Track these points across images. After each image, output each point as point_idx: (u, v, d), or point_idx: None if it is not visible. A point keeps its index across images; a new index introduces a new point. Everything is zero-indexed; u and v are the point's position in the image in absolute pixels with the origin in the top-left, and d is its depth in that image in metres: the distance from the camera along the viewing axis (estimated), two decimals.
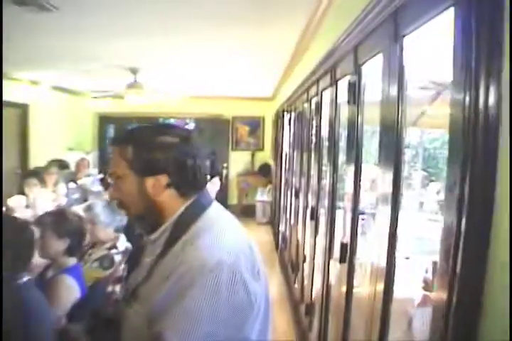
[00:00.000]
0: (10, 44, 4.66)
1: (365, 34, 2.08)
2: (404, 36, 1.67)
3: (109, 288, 2.72)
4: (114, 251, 2.86)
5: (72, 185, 6.43)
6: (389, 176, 1.73)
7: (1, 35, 3.59)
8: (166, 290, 1.18)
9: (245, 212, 9.20)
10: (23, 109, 7.80)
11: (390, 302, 1.79)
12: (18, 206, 5.01)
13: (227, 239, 1.27)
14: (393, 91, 1.73)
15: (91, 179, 6.92)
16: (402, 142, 1.68)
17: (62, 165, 6.96)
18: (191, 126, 11.94)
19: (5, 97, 7.13)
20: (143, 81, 6.06)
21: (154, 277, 1.26)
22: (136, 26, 3.94)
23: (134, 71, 5.89)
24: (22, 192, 5.09)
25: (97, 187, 6.93)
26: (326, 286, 3.06)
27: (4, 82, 6.99)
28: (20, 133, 7.91)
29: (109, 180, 1.37)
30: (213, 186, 8.04)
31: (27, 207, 5.07)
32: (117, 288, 2.79)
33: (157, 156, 1.29)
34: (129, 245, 2.98)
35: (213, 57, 5.37)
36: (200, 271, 1.15)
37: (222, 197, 8.94)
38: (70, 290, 2.23)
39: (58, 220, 2.39)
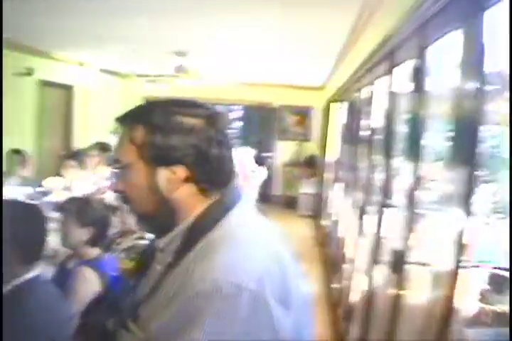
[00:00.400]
0: (56, 24, 4.58)
1: (434, 10, 1.79)
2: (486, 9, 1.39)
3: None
4: (142, 241, 2.69)
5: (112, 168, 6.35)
6: (459, 175, 1.48)
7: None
8: (169, 316, 0.92)
9: (288, 204, 8.98)
10: (68, 91, 7.79)
11: (450, 317, 1.55)
12: (54, 187, 4.95)
13: (250, 254, 0.98)
14: (470, 79, 1.46)
15: None
16: (479, 140, 1.42)
17: (104, 148, 6.88)
18: (239, 113, 11.83)
19: (50, 78, 7.15)
20: (190, 65, 5.89)
21: (160, 294, 1.00)
22: (185, 7, 3.76)
23: (181, 54, 5.73)
24: (59, 174, 5.02)
25: None
26: (370, 292, 2.82)
27: (49, 62, 6.99)
28: (64, 114, 7.92)
29: (113, 169, 1.13)
30: (260, 175, 7.92)
31: (65, 189, 5.00)
32: None
33: (174, 142, 1.00)
34: None
35: (264, 43, 5.14)
36: (211, 298, 0.88)
37: (266, 188, 8.75)
38: (89, 284, 2.05)
39: (82, 208, 2.22)
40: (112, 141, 7.74)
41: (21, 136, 6.45)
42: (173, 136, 1.01)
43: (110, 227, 2.31)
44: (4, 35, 5.46)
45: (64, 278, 2.09)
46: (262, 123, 9.82)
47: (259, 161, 8.72)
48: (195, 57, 5.86)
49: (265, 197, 8.88)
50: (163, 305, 0.94)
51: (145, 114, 1.07)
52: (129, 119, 1.08)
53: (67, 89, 7.74)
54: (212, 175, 1.04)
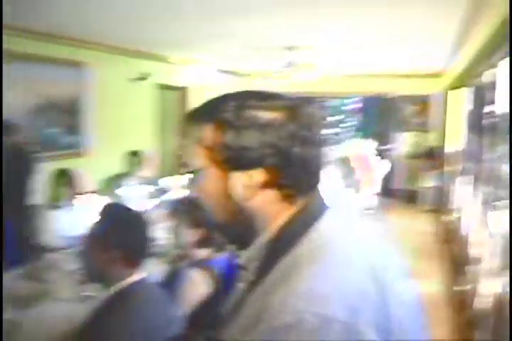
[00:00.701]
0: (170, 26, 4.75)
1: None
2: None
3: None
4: None
5: None
6: None
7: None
8: None
9: (409, 198, 8.58)
10: (182, 92, 8.07)
11: None
12: (173, 186, 5.16)
13: (342, 276, 0.80)
14: None
15: None
16: None
17: None
18: (355, 106, 11.52)
19: (164, 81, 7.46)
20: (302, 59, 5.81)
21: (243, 314, 0.86)
22: (295, 1, 3.70)
23: (291, 49, 5.68)
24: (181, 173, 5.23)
25: None
26: (501, 297, 2.56)
27: (162, 66, 7.29)
28: (179, 116, 8.23)
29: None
30: (383, 168, 7.68)
31: (183, 187, 5.19)
32: None
33: (249, 141, 0.86)
34: None
35: (376, 32, 4.91)
36: (295, 331, 0.73)
37: (388, 182, 8.45)
38: (197, 286, 2.05)
39: (191, 208, 2.19)
40: None
41: (143, 138, 6.84)
42: (248, 133, 0.86)
43: None
44: (118, 43, 5.83)
45: (174, 280, 2.11)
46: (381, 115, 9.47)
47: (381, 154, 8.44)
48: (306, 52, 5.78)
49: (387, 192, 8.58)
50: (246, 328, 0.82)
51: (214, 110, 0.92)
52: (196, 117, 0.95)
53: (181, 90, 8.03)
54: (296, 178, 0.88)
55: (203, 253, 2.22)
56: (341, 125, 12.50)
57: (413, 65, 7.71)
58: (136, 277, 1.63)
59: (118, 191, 4.52)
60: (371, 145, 8.24)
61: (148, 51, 6.50)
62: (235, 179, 0.88)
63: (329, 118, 11.26)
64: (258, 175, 0.87)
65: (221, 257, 2.29)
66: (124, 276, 1.61)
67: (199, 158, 0.91)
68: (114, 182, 4.53)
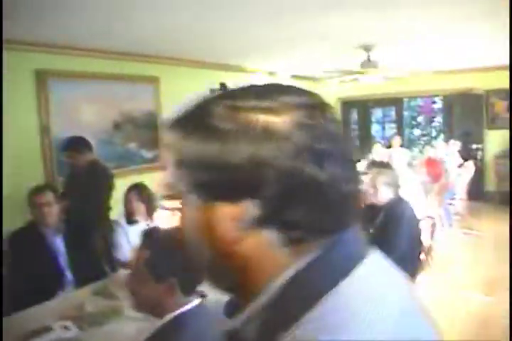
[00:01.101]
0: (243, 34, 4.65)
1: None
2: None
3: None
4: None
5: None
6: None
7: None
8: None
9: (503, 201, 7.91)
10: None
11: None
12: None
13: None
14: None
15: None
16: None
17: None
18: (439, 104, 10.95)
19: None
20: (377, 58, 5.53)
21: None
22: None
23: (367, 48, 5.41)
24: None
25: None
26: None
27: (244, 75, 7.25)
28: None
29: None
30: (466, 171, 7.13)
31: None
32: None
33: (241, 157, 0.58)
34: None
35: (455, 25, 4.54)
36: None
37: (477, 184, 7.87)
38: None
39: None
40: None
41: None
42: (240, 146, 0.58)
43: None
44: (194, 57, 5.84)
45: None
46: (467, 113, 8.85)
47: (467, 155, 7.89)
48: (381, 50, 5.49)
49: (477, 194, 7.99)
50: None
51: (196, 115, 0.64)
52: (174, 125, 0.67)
53: None
54: (308, 213, 0.59)
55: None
56: (424, 126, 11.95)
57: (500, 56, 7.14)
58: (189, 305, 1.48)
59: None
60: (453, 146, 7.72)
61: (223, 62, 6.49)
62: (220, 212, 0.60)
63: (411, 119, 10.77)
64: (252, 208, 0.58)
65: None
66: (181, 304, 1.47)
67: (179, 181, 0.64)
68: None
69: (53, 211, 3.22)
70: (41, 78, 4.48)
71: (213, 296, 2.03)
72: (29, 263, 3.15)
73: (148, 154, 5.69)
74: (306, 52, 5.88)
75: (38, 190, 3.22)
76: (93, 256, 3.48)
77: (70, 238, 3.36)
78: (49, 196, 3.21)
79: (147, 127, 5.65)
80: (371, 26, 4.48)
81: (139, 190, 3.60)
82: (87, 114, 4.94)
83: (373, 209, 3.49)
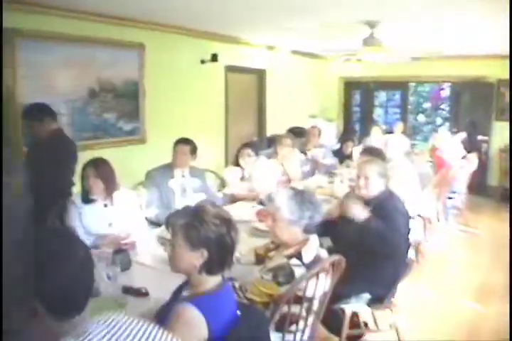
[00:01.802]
0: (242, 3, 4.20)
1: None
2: None
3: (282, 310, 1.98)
4: (294, 261, 2.08)
5: (301, 156, 5.87)
6: None
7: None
8: None
9: (504, 197, 7.52)
10: (259, 75, 7.56)
11: None
12: (232, 179, 4.65)
13: None
14: None
15: (322, 150, 6.29)
16: None
17: (298, 133, 6.49)
18: (446, 92, 10.51)
19: (242, 63, 6.97)
20: (381, 36, 5.05)
21: None
22: None
23: (371, 25, 4.94)
24: (237, 164, 4.70)
25: (329, 160, 6.27)
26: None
27: (240, 48, 6.79)
28: (257, 99, 7.72)
29: None
30: (469, 164, 6.70)
31: (242, 179, 4.67)
32: (294, 309, 2.03)
33: None
34: (321, 253, 2.17)
35: (471, 6, 4.08)
36: None
37: (479, 177, 7.47)
38: (191, 328, 1.48)
39: (191, 222, 1.59)
40: (307, 125, 7.38)
41: (206, 124, 6.39)
42: None
43: (231, 248, 1.64)
44: (183, 23, 5.38)
45: (165, 315, 1.59)
46: (476, 102, 8.38)
47: (471, 146, 7.46)
48: (387, 28, 5.02)
49: (480, 188, 7.60)
50: None
51: None
52: None
53: (259, 73, 7.52)
54: None
55: (209, 280, 1.64)
56: (429, 113, 11.56)
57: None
58: None
59: (170, 183, 4.07)
60: (457, 137, 7.29)
61: (217, 32, 6.02)
62: None
63: (417, 105, 10.36)
64: None
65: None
66: None
67: None
68: (164, 172, 4.07)
69: None
70: (8, 38, 4.04)
71: None
72: None
73: (127, 126, 5.28)
74: (307, 26, 5.41)
75: None
76: None
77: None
78: None
79: (127, 97, 5.22)
80: (377, 0, 4.02)
81: (97, 165, 3.20)
82: (61, 79, 4.50)
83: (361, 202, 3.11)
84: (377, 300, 2.84)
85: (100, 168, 3.21)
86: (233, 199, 4.56)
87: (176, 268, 1.67)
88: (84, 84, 4.72)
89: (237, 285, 2.14)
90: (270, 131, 7.79)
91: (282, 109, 8.03)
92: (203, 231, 1.58)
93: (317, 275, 2.04)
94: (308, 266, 2.05)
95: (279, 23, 5.30)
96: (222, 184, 4.75)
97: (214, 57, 6.05)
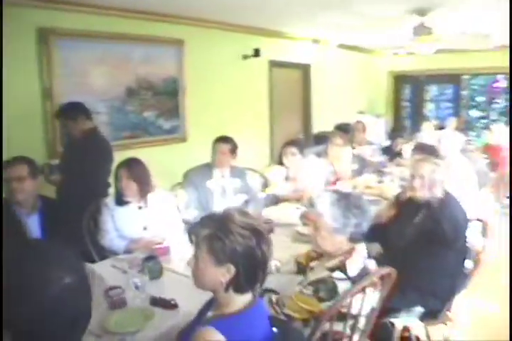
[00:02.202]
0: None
1: None
2: None
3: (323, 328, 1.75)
4: (337, 274, 1.84)
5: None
6: None
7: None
8: None
9: None
10: (304, 70, 7.30)
11: None
12: (276, 179, 4.43)
13: None
14: None
15: (370, 147, 5.98)
16: None
17: (345, 129, 6.18)
18: (502, 84, 9.94)
19: (286, 58, 6.73)
20: (433, 25, 4.71)
21: None
22: None
23: (421, 13, 4.61)
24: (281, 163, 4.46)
25: (378, 158, 5.95)
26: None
27: (284, 42, 6.55)
28: (302, 95, 7.47)
29: None
30: None
31: (286, 179, 4.44)
32: (337, 327, 1.80)
33: None
34: (368, 264, 1.92)
35: None
36: None
37: None
38: None
39: (215, 233, 1.38)
40: (353, 120, 7.07)
41: (253, 120, 6.20)
42: None
43: (264, 263, 1.41)
44: (227, 18, 5.19)
45: (190, 335, 1.38)
46: None
47: None
48: (438, 16, 4.67)
49: None
50: None
51: None
52: None
53: (304, 68, 7.27)
54: None
55: (238, 300, 1.42)
56: (485, 107, 10.97)
57: None
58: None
59: (209, 184, 3.89)
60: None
61: (259, 26, 5.81)
62: None
63: (470, 99, 9.83)
64: None
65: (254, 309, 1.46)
66: None
67: None
68: (202, 173, 3.90)
69: (25, 187, 2.73)
70: (44, 37, 3.96)
71: None
72: None
73: (167, 124, 5.15)
74: (352, 17, 5.12)
75: (9, 163, 2.74)
76: (77, 239, 2.99)
77: (52, 218, 2.88)
78: (21, 170, 2.73)
79: (167, 94, 5.09)
80: None
81: (130, 166, 3.05)
82: (98, 77, 4.41)
83: (412, 206, 2.84)
84: (431, 314, 2.56)
85: (133, 168, 3.06)
86: (276, 200, 4.34)
87: (200, 285, 1.46)
88: (122, 82, 4.61)
89: (273, 298, 1.93)
90: (317, 128, 7.53)
91: (329, 105, 7.74)
92: (228, 244, 1.35)
93: (364, 290, 1.80)
94: (354, 280, 1.81)
95: (323, 15, 5.05)
96: (266, 184, 4.54)
97: (256, 52, 5.84)
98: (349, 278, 1.82)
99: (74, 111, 3.64)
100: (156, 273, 2.38)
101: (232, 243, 1.35)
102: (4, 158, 2.91)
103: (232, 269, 1.36)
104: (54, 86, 4.05)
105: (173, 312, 2.02)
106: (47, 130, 4.08)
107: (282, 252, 2.72)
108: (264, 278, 1.45)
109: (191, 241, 1.46)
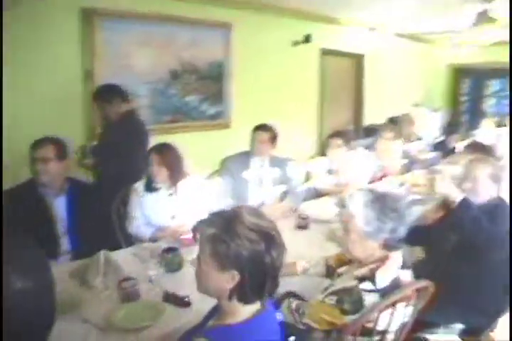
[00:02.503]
0: None
1: None
2: None
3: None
4: (365, 285, 1.64)
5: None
6: None
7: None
8: None
9: None
10: (358, 58, 7.00)
11: None
12: (318, 171, 4.22)
13: None
14: None
15: (420, 143, 5.65)
16: None
17: (397, 122, 5.89)
18: None
19: (338, 46, 6.46)
20: (497, 13, 4.34)
21: None
22: None
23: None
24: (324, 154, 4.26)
25: (428, 154, 5.61)
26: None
27: (337, 29, 6.28)
28: (354, 85, 7.18)
29: None
30: None
31: (329, 172, 4.23)
32: None
33: None
34: (401, 276, 1.71)
35: None
36: None
37: None
38: None
39: (219, 235, 1.21)
40: (412, 113, 6.73)
41: (301, 109, 5.99)
42: None
43: (274, 272, 1.23)
44: (278, 2, 4.97)
45: None
46: None
47: None
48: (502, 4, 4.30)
49: None
50: None
51: None
52: None
53: (355, 57, 6.96)
54: None
55: (244, 310, 1.25)
56: None
57: None
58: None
59: (246, 173, 3.74)
60: None
61: (311, 11, 5.56)
62: None
63: None
64: None
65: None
66: None
67: None
68: (240, 161, 3.75)
69: (50, 168, 2.65)
70: (88, 18, 3.88)
71: None
72: (23, 225, 2.64)
73: (210, 110, 5.01)
74: (413, 3, 4.80)
75: (36, 144, 2.66)
76: (104, 224, 2.91)
77: (82, 201, 2.80)
78: (46, 151, 2.65)
79: (212, 79, 4.94)
80: None
81: (161, 151, 2.92)
82: (141, 59, 4.31)
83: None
84: (472, 332, 2.31)
85: (165, 154, 2.93)
86: (317, 194, 4.14)
87: (202, 289, 1.30)
88: (165, 64, 4.50)
89: (293, 305, 1.75)
90: (368, 120, 7.24)
91: (382, 97, 7.42)
92: (233, 248, 1.18)
93: (394, 305, 1.60)
94: (384, 293, 1.61)
95: (382, 0, 4.76)
96: (308, 176, 4.34)
97: (307, 39, 5.61)
98: (378, 290, 1.62)
99: (110, 93, 3.55)
100: (174, 266, 2.25)
101: (237, 247, 1.18)
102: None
103: (237, 276, 1.20)
104: (96, 68, 3.98)
105: (184, 310, 1.88)
106: (87, 112, 4.02)
107: (313, 251, 2.54)
108: (273, 288, 1.27)
109: (195, 238, 1.31)
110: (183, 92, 4.72)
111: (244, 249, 1.18)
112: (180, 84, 4.67)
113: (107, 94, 3.54)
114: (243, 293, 1.21)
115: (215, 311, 1.37)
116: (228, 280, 1.20)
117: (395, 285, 1.64)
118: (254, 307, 1.26)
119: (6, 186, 2.82)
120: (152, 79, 4.42)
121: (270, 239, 1.21)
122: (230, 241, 1.18)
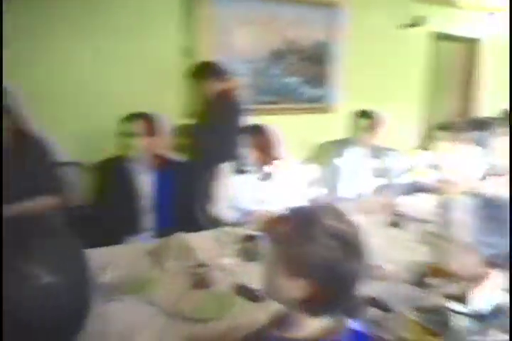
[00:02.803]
0: None
1: None
2: None
3: None
4: (455, 306, 1.41)
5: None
6: None
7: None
8: None
9: None
10: (472, 44, 6.40)
11: None
12: (420, 165, 3.92)
13: None
14: None
15: None
16: None
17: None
18: None
19: (453, 30, 5.95)
20: None
21: None
22: None
23: None
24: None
25: None
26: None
27: (454, 11, 5.78)
28: (467, 73, 6.61)
29: None
30: None
31: (431, 167, 3.92)
32: None
33: None
34: (501, 300, 1.46)
35: None
36: None
37: None
38: None
39: (293, 237, 1.05)
40: None
41: (407, 97, 5.63)
42: None
43: (351, 283, 1.05)
44: None
45: None
46: None
47: None
48: None
49: None
50: None
51: None
52: None
53: (470, 42, 6.38)
54: None
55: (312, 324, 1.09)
56: None
57: None
58: None
59: (342, 161, 3.56)
60: None
61: None
62: None
63: None
64: None
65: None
66: None
67: None
68: (335, 148, 3.56)
69: (138, 144, 2.64)
70: None
71: None
72: (107, 199, 2.67)
73: (311, 92, 4.82)
74: None
75: (125, 119, 2.66)
76: (190, 204, 2.87)
77: (175, 178, 2.78)
78: (135, 126, 2.63)
79: (315, 60, 4.74)
80: None
81: (253, 133, 2.82)
82: (243, 37, 4.21)
83: None
84: None
85: (258, 136, 2.83)
86: (417, 189, 3.86)
87: (268, 294, 1.17)
88: (268, 43, 4.36)
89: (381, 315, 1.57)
90: (481, 112, 6.66)
91: (499, 87, 6.78)
92: (307, 254, 1.03)
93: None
94: (477, 318, 1.38)
95: None
96: (409, 169, 4.06)
97: (421, 21, 5.20)
98: (470, 314, 1.39)
99: (205, 71, 3.49)
100: (252, 256, 2.14)
101: (312, 253, 1.02)
102: None
103: (308, 286, 1.04)
104: (196, 44, 3.94)
105: (254, 305, 1.76)
106: (183, 90, 4.00)
107: (402, 253, 2.31)
108: (348, 303, 1.10)
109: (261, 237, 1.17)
110: (285, 73, 4.57)
111: (319, 257, 1.02)
112: (282, 65, 4.52)
113: (202, 72, 3.48)
114: (314, 304, 1.06)
115: (279, 321, 1.22)
116: (297, 288, 1.05)
117: (495, 311, 1.40)
118: (324, 322, 1.10)
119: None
120: (253, 58, 4.32)
121: (352, 248, 1.03)
122: (304, 245, 1.03)
